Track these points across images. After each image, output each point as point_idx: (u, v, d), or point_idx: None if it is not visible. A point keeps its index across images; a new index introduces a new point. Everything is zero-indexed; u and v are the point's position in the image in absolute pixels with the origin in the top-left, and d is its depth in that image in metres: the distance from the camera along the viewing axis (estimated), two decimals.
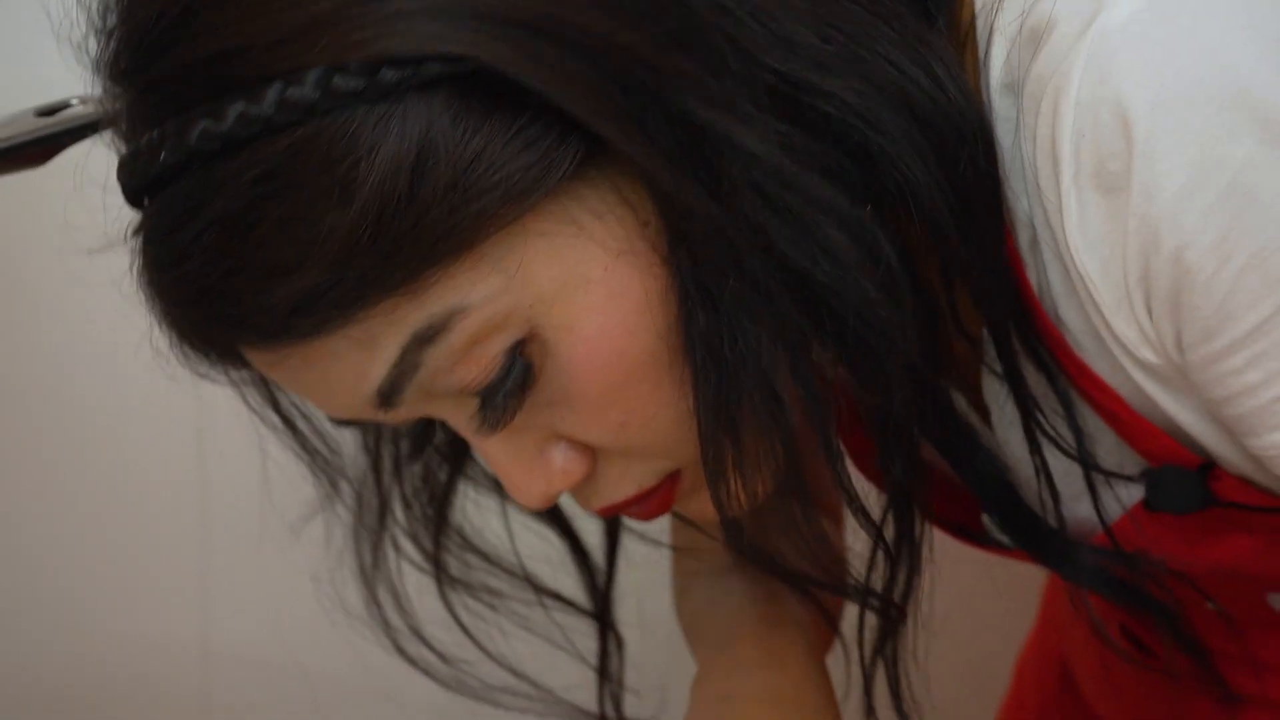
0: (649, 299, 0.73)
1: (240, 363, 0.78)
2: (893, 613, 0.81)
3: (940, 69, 0.73)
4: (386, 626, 0.98)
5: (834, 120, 0.72)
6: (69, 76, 0.96)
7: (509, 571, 0.97)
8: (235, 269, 0.71)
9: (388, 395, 0.74)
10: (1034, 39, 0.72)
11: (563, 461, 0.78)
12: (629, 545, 1.00)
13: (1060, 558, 0.83)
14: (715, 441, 0.75)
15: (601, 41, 0.69)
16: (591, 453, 0.78)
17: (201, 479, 1.51)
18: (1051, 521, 0.81)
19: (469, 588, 0.97)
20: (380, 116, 0.69)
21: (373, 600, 0.97)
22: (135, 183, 0.74)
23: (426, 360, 0.73)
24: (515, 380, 0.74)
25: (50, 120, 0.92)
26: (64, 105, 0.93)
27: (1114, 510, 0.81)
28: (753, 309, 0.72)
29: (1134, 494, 0.80)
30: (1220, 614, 0.88)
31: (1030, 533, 0.83)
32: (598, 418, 0.75)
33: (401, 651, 0.98)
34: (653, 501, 0.80)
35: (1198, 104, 0.68)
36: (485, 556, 0.97)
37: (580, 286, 0.72)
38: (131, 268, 0.76)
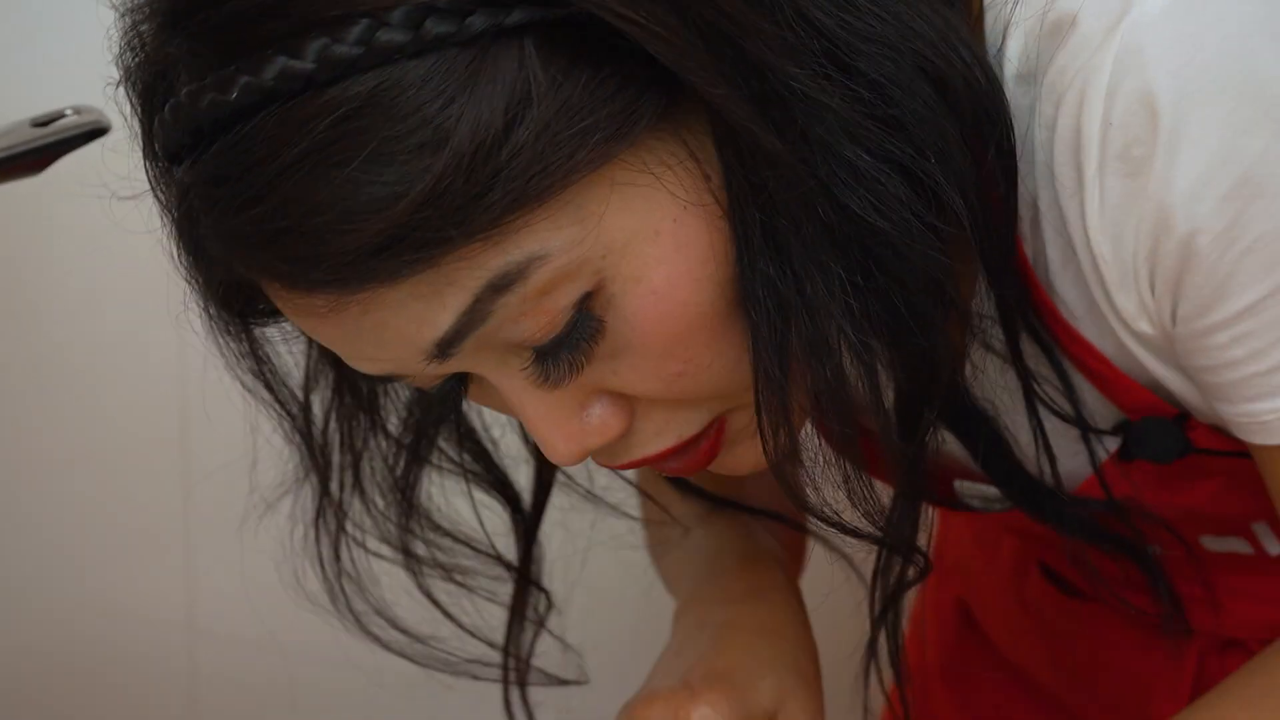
0: (712, 250, 0.73)
1: (271, 321, 0.78)
2: (920, 560, 0.84)
3: (967, 53, 0.75)
4: (352, 612, 0.96)
5: (881, 86, 0.73)
6: (61, 87, 1.00)
7: (477, 549, 0.97)
8: (318, 208, 0.69)
9: (447, 345, 0.73)
10: (1056, 33, 0.75)
11: (602, 417, 0.77)
12: (565, 516, 1.01)
13: (1055, 513, 0.86)
14: (776, 386, 0.75)
15: None
16: (630, 407, 0.77)
17: (185, 460, 1.52)
18: (1049, 482, 0.84)
19: (439, 569, 0.96)
20: (472, 59, 0.68)
21: (336, 589, 0.95)
22: (194, 125, 0.70)
23: (497, 309, 0.72)
24: (580, 335, 0.74)
25: (46, 130, 0.94)
26: (59, 116, 0.95)
27: (1085, 464, 0.84)
28: (820, 258, 0.73)
29: (1109, 447, 0.84)
30: (1162, 555, 0.91)
31: (1029, 494, 0.86)
32: (657, 369, 0.75)
33: (370, 634, 0.97)
34: (701, 452, 0.79)
35: (1221, 98, 0.72)
36: (453, 536, 0.96)
37: (651, 238, 0.72)
38: (173, 219, 0.74)
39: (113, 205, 0.80)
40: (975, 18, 0.78)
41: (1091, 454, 0.83)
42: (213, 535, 1.47)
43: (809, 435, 0.81)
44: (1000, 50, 0.77)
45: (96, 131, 0.96)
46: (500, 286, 0.71)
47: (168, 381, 1.48)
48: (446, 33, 0.68)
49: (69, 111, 0.96)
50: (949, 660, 1.17)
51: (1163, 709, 0.85)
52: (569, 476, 0.98)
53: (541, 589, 0.99)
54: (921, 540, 0.83)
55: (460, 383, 0.80)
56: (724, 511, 1.00)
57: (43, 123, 0.95)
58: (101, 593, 1.59)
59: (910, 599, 1.18)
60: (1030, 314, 0.80)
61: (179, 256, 0.76)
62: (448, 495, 0.96)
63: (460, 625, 0.97)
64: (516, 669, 0.99)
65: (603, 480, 1.00)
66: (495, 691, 1.02)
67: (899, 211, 0.73)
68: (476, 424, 0.95)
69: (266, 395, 0.86)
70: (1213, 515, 0.90)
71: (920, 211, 0.74)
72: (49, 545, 1.59)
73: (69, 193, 0.88)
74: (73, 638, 1.59)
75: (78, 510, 1.58)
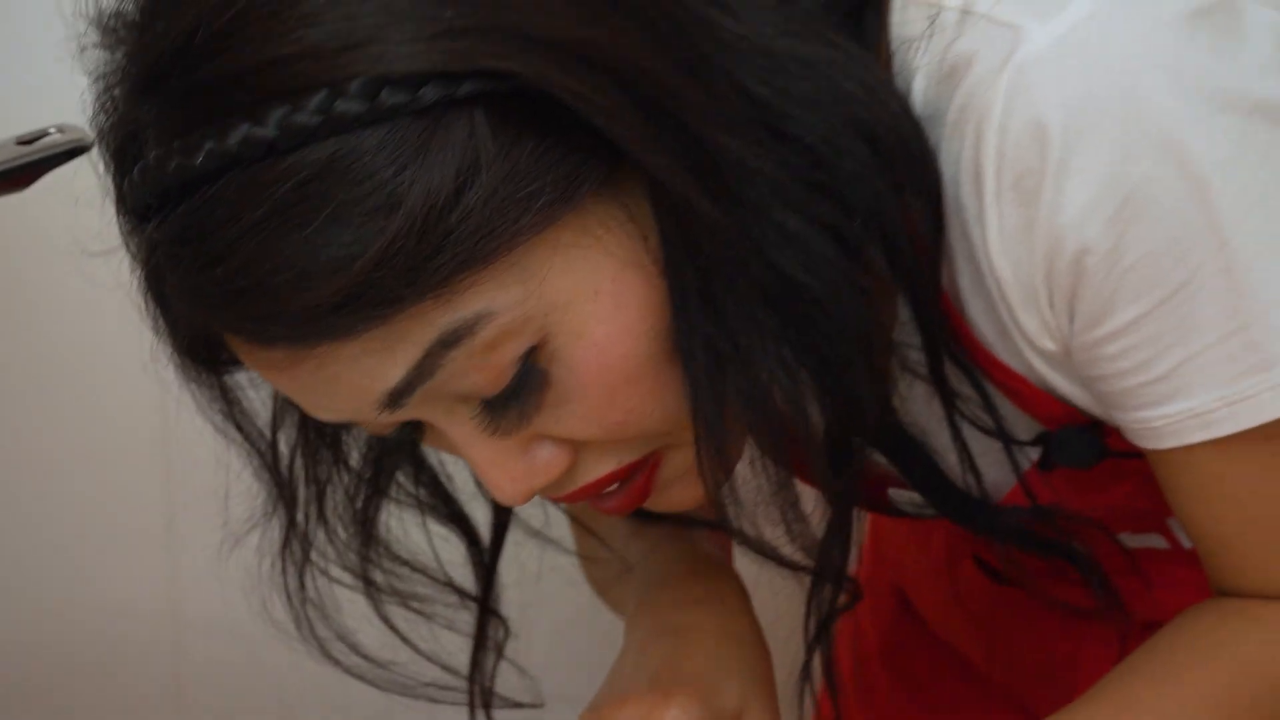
0: (650, 306, 0.76)
1: (236, 369, 0.81)
2: (851, 587, 0.87)
3: (896, 105, 0.78)
4: (316, 638, 0.98)
5: (814, 149, 0.76)
6: (45, 107, 1.02)
7: (434, 579, 1.00)
8: (278, 269, 0.71)
9: (397, 397, 0.75)
10: (954, 74, 0.78)
11: (546, 459, 0.80)
12: (522, 545, 1.03)
13: (986, 524, 0.89)
14: (714, 431, 0.78)
15: (628, 66, 0.73)
16: (574, 447, 0.80)
17: (167, 455, 1.55)
18: (975, 494, 0.87)
19: (397, 596, 0.99)
20: (425, 128, 0.71)
21: (301, 615, 0.97)
22: (161, 187, 0.73)
23: (446, 363, 0.74)
24: (527, 387, 0.76)
25: (31, 148, 0.97)
26: (43, 134, 0.97)
27: (1010, 474, 0.87)
28: (753, 313, 0.76)
29: (1031, 456, 0.88)
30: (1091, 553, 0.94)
31: (959, 507, 0.89)
32: (599, 417, 0.78)
33: (332, 659, 0.98)
34: (635, 487, 0.83)
35: (1106, 126, 0.75)
36: (411, 566, 0.99)
37: (591, 296, 0.75)
38: (141, 273, 0.77)
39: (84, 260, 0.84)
40: (883, 65, 0.81)
41: (1014, 465, 0.87)
42: (198, 528, 1.47)
43: (746, 473, 0.84)
44: (907, 96, 0.80)
45: (79, 149, 0.97)
46: (449, 342, 0.74)
47: (149, 382, 1.49)
48: (401, 103, 0.71)
49: (53, 130, 0.98)
50: (888, 642, 1.20)
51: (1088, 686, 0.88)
52: (517, 517, 1.01)
53: (500, 618, 1.02)
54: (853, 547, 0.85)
55: (414, 429, 0.83)
56: (659, 525, 1.02)
57: (27, 140, 0.98)
58: (89, 587, 1.61)
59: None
60: (949, 340, 0.83)
61: (146, 308, 0.79)
62: (406, 527, 0.98)
63: (417, 650, 0.99)
64: (481, 694, 1.01)
65: (552, 514, 1.03)
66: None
67: (827, 271, 0.77)
68: (433, 460, 0.98)
69: (236, 435, 0.89)
70: (1131, 512, 0.94)
71: (848, 270, 0.77)
72: (41, 543, 1.60)
73: (64, 205, 0.90)
74: (60, 631, 1.61)
75: (67, 507, 1.59)
